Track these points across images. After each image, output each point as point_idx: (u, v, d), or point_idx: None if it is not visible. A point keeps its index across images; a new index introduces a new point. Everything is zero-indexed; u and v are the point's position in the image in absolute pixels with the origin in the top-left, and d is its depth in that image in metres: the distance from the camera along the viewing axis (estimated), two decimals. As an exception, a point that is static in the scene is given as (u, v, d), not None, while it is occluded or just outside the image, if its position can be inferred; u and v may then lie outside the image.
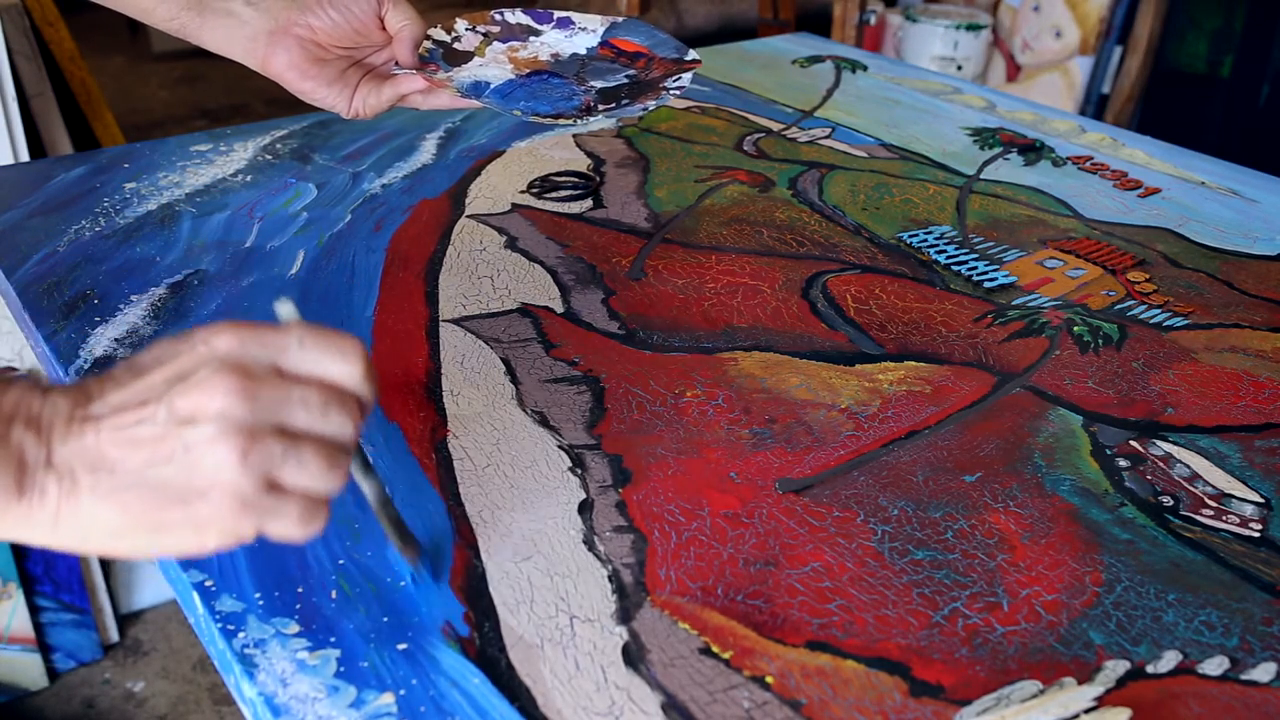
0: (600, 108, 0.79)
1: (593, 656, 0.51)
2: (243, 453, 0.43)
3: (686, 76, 0.81)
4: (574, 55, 0.84)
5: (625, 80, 0.82)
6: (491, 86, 0.80)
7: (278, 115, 1.19)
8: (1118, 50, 2.39)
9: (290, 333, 0.46)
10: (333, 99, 0.78)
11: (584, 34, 0.85)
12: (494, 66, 0.82)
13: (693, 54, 0.83)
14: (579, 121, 0.78)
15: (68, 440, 0.43)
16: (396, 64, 0.79)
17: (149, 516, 0.43)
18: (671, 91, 0.80)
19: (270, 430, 0.44)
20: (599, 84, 0.82)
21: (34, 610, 1.57)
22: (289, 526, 0.45)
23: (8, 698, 1.58)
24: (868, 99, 1.27)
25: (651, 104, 0.79)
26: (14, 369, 1.50)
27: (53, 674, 1.62)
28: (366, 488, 0.54)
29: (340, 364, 0.46)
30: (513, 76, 0.82)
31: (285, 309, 0.49)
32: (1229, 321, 0.82)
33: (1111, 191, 1.05)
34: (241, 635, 0.52)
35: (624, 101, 0.79)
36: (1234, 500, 0.63)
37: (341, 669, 0.50)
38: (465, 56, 0.83)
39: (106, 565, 1.67)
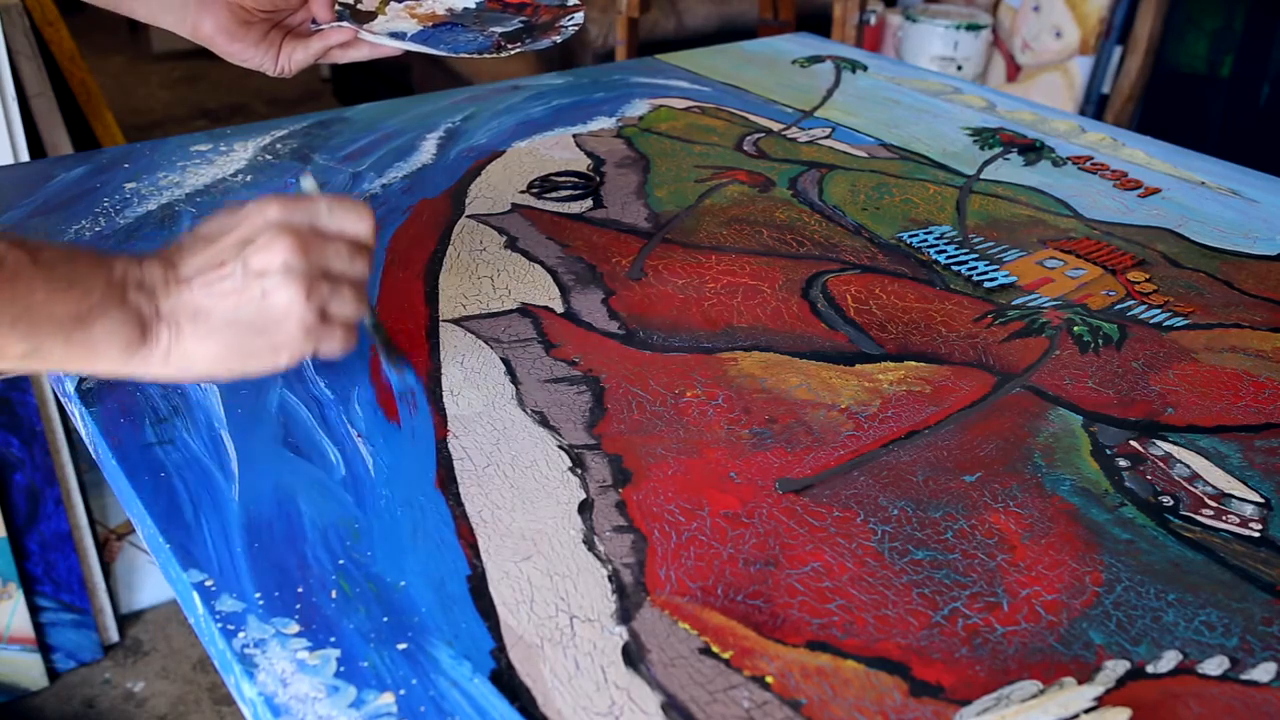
0: (509, 45, 0.88)
1: (593, 656, 0.51)
2: (306, 293, 0.57)
3: (578, 15, 0.92)
4: (465, 9, 0.93)
5: (520, 25, 0.92)
6: (408, 35, 0.88)
7: (278, 115, 1.19)
8: (1118, 50, 2.39)
9: (319, 201, 0.60)
10: (259, 59, 0.85)
11: None
12: (399, 21, 0.90)
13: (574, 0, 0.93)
14: (501, 53, 0.88)
15: (169, 297, 0.56)
16: (314, 22, 0.86)
17: (240, 345, 0.57)
18: (569, 29, 0.90)
19: (320, 274, 0.58)
20: (499, 29, 0.91)
21: (34, 610, 1.57)
22: (335, 346, 0.60)
23: (8, 698, 1.58)
24: (868, 99, 1.27)
25: (557, 38, 0.89)
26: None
27: (53, 674, 1.62)
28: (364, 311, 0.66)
29: (358, 223, 0.61)
30: (421, 28, 0.91)
31: (308, 183, 0.65)
32: (1229, 321, 0.82)
33: (1111, 191, 1.05)
34: (241, 635, 0.52)
35: (527, 40, 0.89)
36: (1234, 500, 0.63)
37: (341, 669, 0.50)
38: (369, 16, 0.90)
39: (106, 565, 1.67)
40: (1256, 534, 0.61)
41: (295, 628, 0.53)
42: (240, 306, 0.56)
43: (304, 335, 0.58)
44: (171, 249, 0.58)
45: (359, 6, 0.90)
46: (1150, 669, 0.52)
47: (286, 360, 0.58)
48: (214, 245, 0.57)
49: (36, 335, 0.53)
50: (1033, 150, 1.14)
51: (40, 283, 0.53)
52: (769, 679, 0.51)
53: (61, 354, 0.54)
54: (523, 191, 1.00)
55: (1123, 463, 0.66)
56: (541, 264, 0.87)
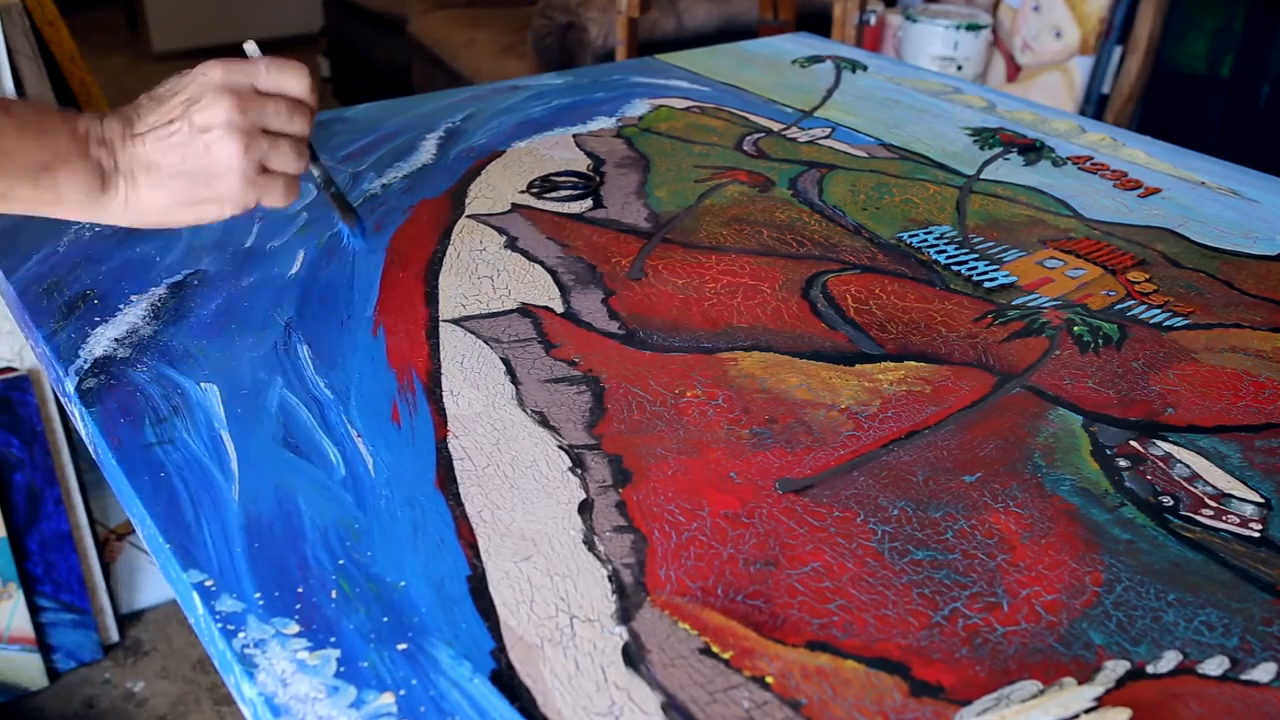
0: None
1: (593, 656, 0.51)
2: (244, 146, 0.65)
3: None
4: None
5: None
6: None
7: (278, 115, 1.19)
8: (1118, 50, 2.39)
9: (259, 62, 0.68)
10: None
11: None
12: None
13: None
14: None
15: (126, 151, 0.65)
16: None
17: (187, 195, 0.66)
18: None
19: (259, 130, 0.66)
20: None
21: (34, 610, 1.57)
22: (277, 197, 0.69)
23: (8, 698, 1.58)
24: (868, 99, 1.27)
25: None
26: (10, 366, 1.50)
27: (53, 674, 1.62)
28: (315, 170, 0.79)
29: (295, 81, 0.68)
30: None
31: (251, 47, 0.73)
32: (1229, 321, 0.82)
33: (1111, 191, 1.05)
34: (241, 635, 0.52)
35: None
36: (1234, 500, 0.63)
37: (341, 669, 0.50)
38: None
39: (106, 565, 1.67)
40: (1256, 534, 0.61)
41: (295, 628, 0.53)
42: (186, 159, 0.65)
43: (244, 186, 0.66)
44: (130, 107, 0.66)
45: None
46: (1150, 669, 0.52)
47: (231, 209, 0.67)
48: (165, 104, 0.66)
49: (7, 179, 0.61)
50: (1033, 150, 1.14)
51: (12, 132, 0.61)
52: (769, 679, 0.51)
53: (30, 197, 0.63)
54: (523, 191, 1.00)
55: (1123, 463, 0.66)
56: (541, 264, 0.87)
